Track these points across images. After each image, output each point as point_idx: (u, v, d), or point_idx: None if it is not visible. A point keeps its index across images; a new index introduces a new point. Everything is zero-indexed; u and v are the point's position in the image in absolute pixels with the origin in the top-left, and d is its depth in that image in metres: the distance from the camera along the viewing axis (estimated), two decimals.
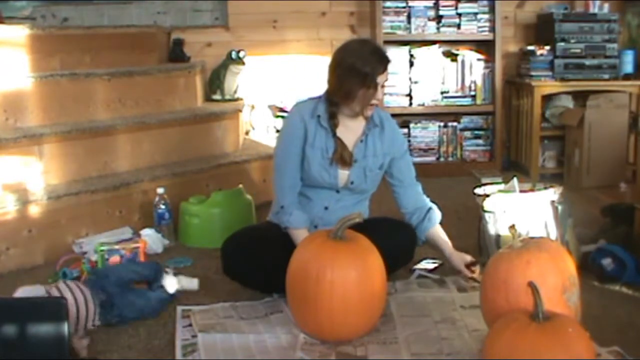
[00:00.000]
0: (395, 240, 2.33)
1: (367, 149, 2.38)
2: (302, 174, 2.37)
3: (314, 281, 1.90)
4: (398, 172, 2.47)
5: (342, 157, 2.34)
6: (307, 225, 2.33)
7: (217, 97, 3.98)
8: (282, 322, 2.11)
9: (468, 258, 2.39)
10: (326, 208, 2.41)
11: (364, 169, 2.38)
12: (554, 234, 2.42)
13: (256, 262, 2.28)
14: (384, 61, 2.26)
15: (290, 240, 2.26)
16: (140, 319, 2.12)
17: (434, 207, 2.49)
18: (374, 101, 2.28)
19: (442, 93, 4.35)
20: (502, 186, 2.63)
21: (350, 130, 2.38)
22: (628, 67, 4.19)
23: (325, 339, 1.98)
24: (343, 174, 2.37)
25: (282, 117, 4.10)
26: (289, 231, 2.31)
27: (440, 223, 2.50)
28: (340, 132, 2.36)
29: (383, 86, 2.29)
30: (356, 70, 2.23)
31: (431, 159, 4.39)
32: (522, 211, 2.43)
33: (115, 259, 2.39)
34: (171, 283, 2.25)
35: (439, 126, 4.38)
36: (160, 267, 2.29)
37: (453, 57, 4.35)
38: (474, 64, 4.33)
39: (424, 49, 4.30)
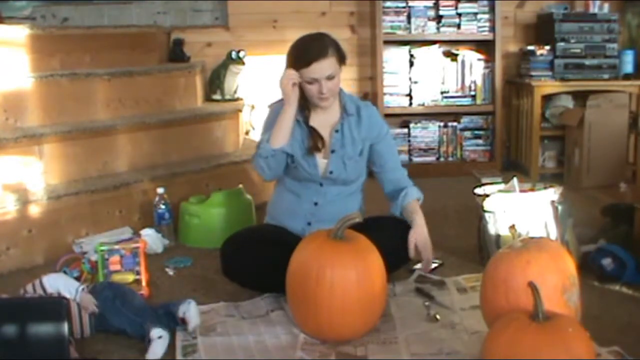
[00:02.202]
0: (395, 238, 2.33)
1: (344, 137, 2.40)
2: (286, 168, 2.40)
3: (314, 281, 1.90)
4: (378, 157, 2.47)
5: (315, 144, 2.37)
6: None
7: (217, 97, 3.98)
8: (282, 321, 2.12)
9: (427, 250, 2.34)
10: (316, 204, 2.42)
11: (342, 157, 2.40)
12: (554, 234, 2.42)
13: (255, 263, 2.28)
14: (307, 56, 2.24)
15: (290, 241, 2.18)
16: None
17: (414, 186, 2.47)
18: (320, 95, 2.28)
19: (442, 93, 4.35)
20: (502, 186, 2.63)
21: (325, 121, 2.41)
22: (628, 67, 4.19)
23: (325, 339, 1.98)
24: (322, 163, 2.39)
25: None
26: (270, 139, 2.30)
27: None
28: (315, 123, 2.39)
29: (330, 79, 2.26)
30: (286, 61, 2.31)
31: (431, 159, 4.39)
32: (522, 211, 2.43)
33: (115, 259, 2.38)
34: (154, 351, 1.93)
35: (439, 126, 4.38)
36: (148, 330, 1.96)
37: (453, 57, 4.35)
38: (474, 64, 4.33)
39: (424, 49, 4.30)
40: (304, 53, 2.26)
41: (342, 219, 2.01)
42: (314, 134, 2.39)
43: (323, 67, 2.25)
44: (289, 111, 2.30)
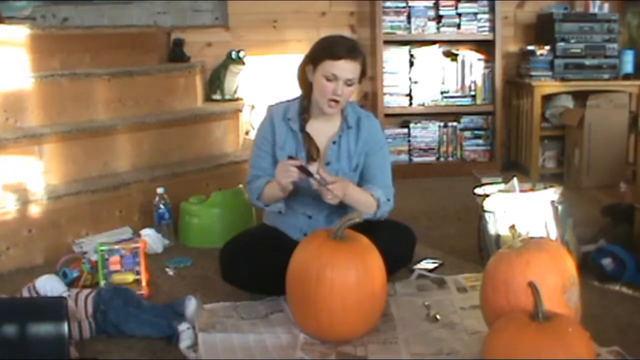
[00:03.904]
0: (394, 241, 2.30)
1: (341, 151, 2.32)
2: None
3: (314, 281, 1.90)
4: (367, 171, 2.36)
5: (310, 153, 2.30)
6: (269, 179, 2.28)
7: (217, 97, 3.98)
8: (282, 322, 2.11)
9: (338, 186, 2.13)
10: (310, 217, 2.36)
11: (336, 172, 2.31)
12: (554, 234, 2.42)
13: (255, 268, 2.25)
14: (337, 50, 2.17)
15: (289, 245, 2.11)
16: None
17: (387, 200, 2.32)
18: (334, 96, 2.19)
19: (442, 93, 4.35)
20: (502, 186, 2.63)
21: (323, 131, 2.33)
22: (628, 67, 4.19)
23: (325, 339, 1.98)
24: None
25: None
26: (262, 199, 2.29)
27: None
28: (311, 131, 2.32)
29: (348, 85, 2.19)
30: (309, 51, 2.26)
31: (431, 159, 4.39)
32: (522, 211, 2.43)
33: (115, 259, 2.38)
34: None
35: (439, 126, 4.38)
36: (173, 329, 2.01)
37: (453, 57, 4.35)
38: (474, 64, 4.33)
39: (424, 49, 4.30)
40: (337, 46, 2.19)
41: (342, 219, 2.01)
42: (309, 141, 2.31)
43: (349, 67, 2.18)
44: (279, 194, 2.24)
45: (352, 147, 2.34)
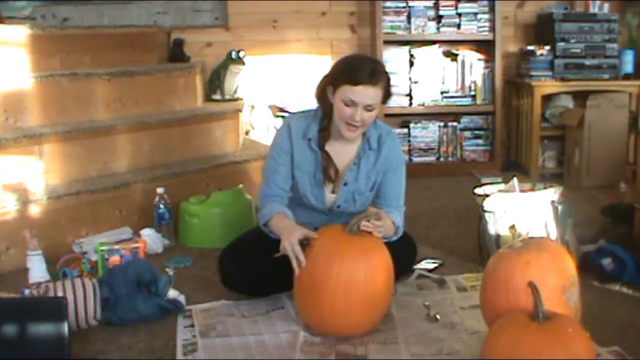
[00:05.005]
0: (396, 251, 2.20)
1: (360, 172, 2.28)
2: (293, 191, 2.32)
3: (321, 269, 1.92)
4: (382, 187, 2.32)
5: (328, 173, 2.26)
6: (282, 212, 2.19)
7: (217, 97, 3.97)
8: (283, 318, 2.12)
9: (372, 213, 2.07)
10: (316, 229, 2.28)
11: (353, 192, 2.29)
12: (554, 234, 2.43)
13: (256, 274, 2.24)
14: (357, 75, 2.08)
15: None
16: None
17: (401, 224, 2.30)
18: (352, 122, 2.13)
19: (442, 93, 4.35)
20: (502, 186, 2.63)
21: (343, 151, 2.28)
22: (628, 67, 4.19)
23: (325, 331, 1.98)
24: (330, 197, 2.30)
25: (282, 117, 4.10)
26: (269, 227, 2.19)
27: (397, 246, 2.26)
28: (332, 152, 2.27)
29: (368, 110, 2.11)
30: (329, 72, 2.20)
31: (431, 159, 4.39)
32: (522, 211, 2.43)
33: (115, 259, 2.39)
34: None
35: (439, 126, 4.38)
36: (157, 272, 2.22)
37: (453, 57, 4.35)
38: (474, 64, 4.33)
39: (424, 49, 4.30)
40: (355, 71, 2.09)
41: (360, 215, 2.02)
42: (328, 162, 2.25)
43: (368, 93, 2.09)
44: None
45: (372, 167, 2.29)
